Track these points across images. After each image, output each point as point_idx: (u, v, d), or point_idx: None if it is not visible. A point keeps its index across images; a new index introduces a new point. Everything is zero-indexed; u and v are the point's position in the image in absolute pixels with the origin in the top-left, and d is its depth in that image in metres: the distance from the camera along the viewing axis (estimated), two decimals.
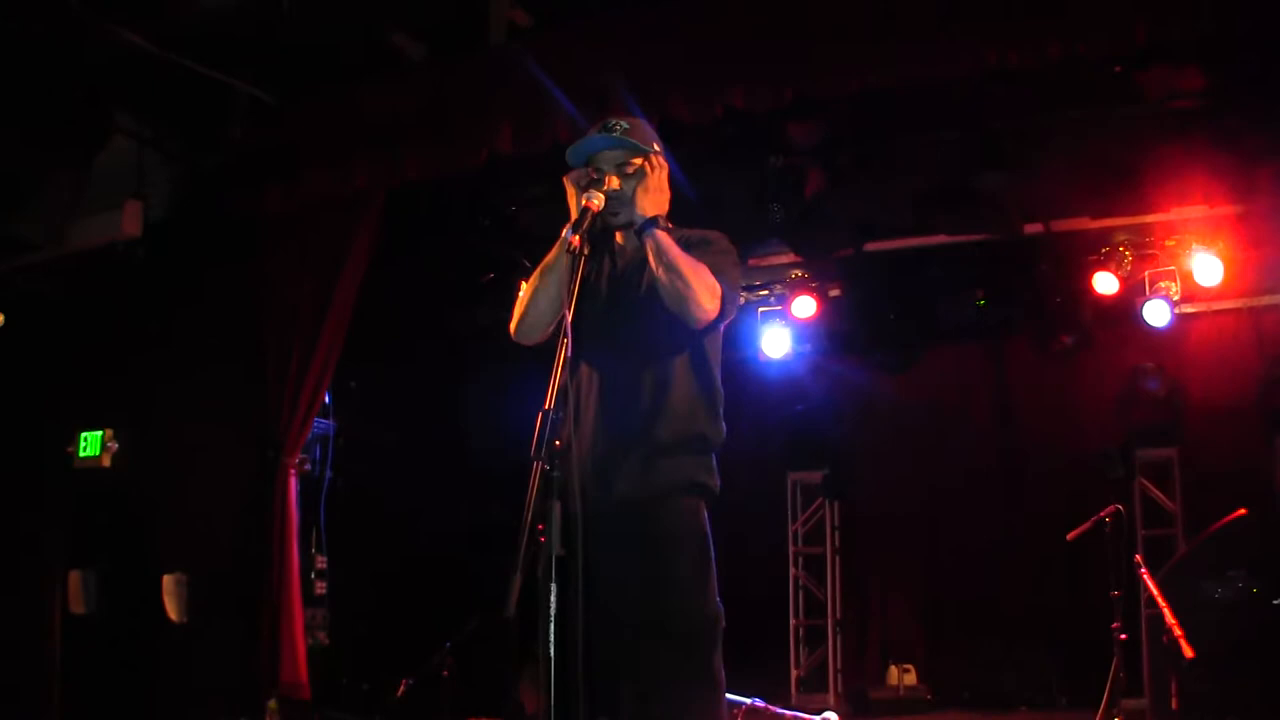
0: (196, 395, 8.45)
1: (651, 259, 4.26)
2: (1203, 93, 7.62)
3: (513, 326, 4.51)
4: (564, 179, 4.46)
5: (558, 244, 4.27)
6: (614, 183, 4.39)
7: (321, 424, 8.65)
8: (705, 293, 4.26)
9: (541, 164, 7.01)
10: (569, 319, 3.79)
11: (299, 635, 8.05)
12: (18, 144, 8.00)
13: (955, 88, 7.17)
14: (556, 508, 3.59)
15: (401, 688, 8.13)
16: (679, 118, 6.93)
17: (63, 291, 8.97)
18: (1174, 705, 7.88)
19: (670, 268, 4.23)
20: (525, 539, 3.51)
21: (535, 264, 4.49)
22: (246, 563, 8.17)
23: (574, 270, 3.99)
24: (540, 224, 8.89)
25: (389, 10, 7.69)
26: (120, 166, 8.53)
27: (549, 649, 3.56)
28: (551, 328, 4.40)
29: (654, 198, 4.40)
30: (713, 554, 4.33)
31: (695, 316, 4.28)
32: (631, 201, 4.37)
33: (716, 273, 4.35)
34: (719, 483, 4.42)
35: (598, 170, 4.44)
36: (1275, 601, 8.28)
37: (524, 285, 4.51)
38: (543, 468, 3.58)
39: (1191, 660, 7.39)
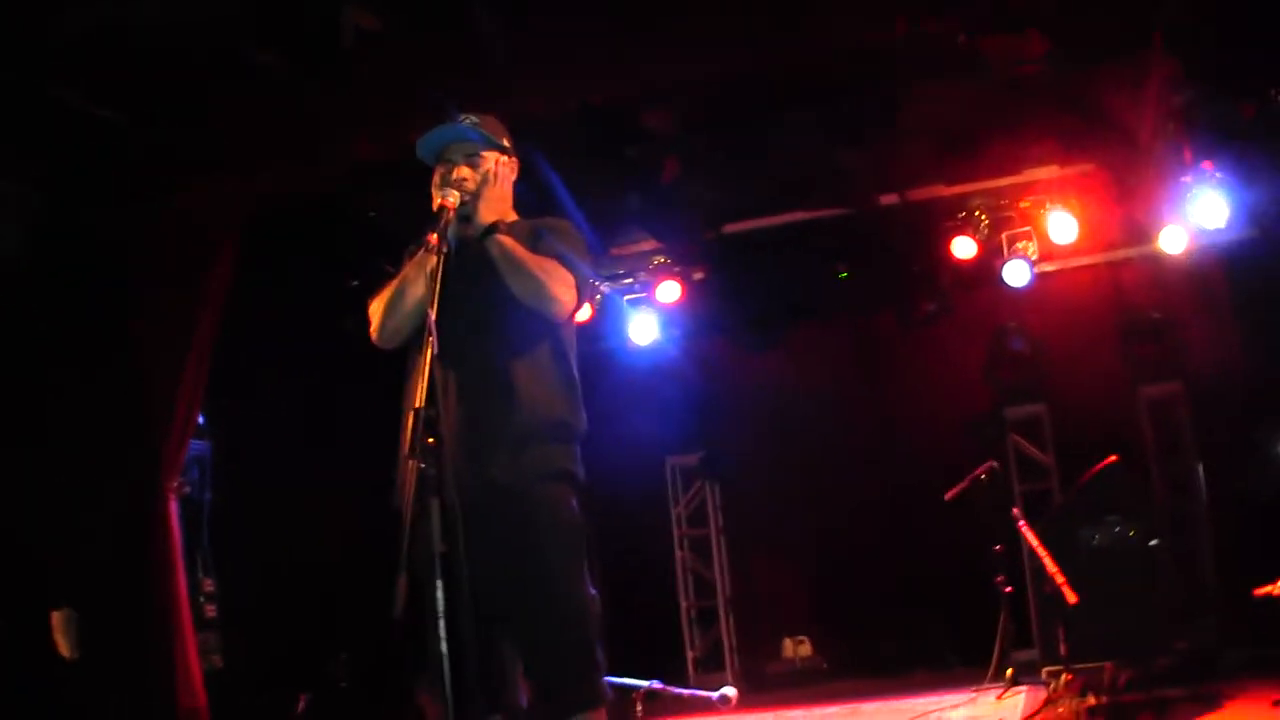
0: (70, 423, 8.33)
1: (499, 264, 4.33)
2: (1045, 57, 7.79)
3: (374, 330, 4.53)
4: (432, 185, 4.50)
5: (421, 249, 4.29)
6: (464, 172, 4.45)
7: (197, 445, 8.57)
8: (558, 285, 4.35)
9: (400, 167, 7.02)
10: (433, 316, 3.82)
11: (193, 660, 7.97)
12: None
13: (807, 68, 7.27)
14: (435, 504, 3.62)
15: (301, 703, 8.10)
16: (535, 112, 6.96)
17: None
18: (1062, 651, 8.03)
19: (517, 270, 4.31)
20: (407, 538, 3.53)
21: (397, 268, 4.52)
22: (134, 592, 8.07)
23: (435, 269, 4.02)
24: (402, 227, 8.86)
25: (241, 23, 7.62)
26: None
27: (440, 647, 3.59)
28: (412, 328, 4.43)
29: (493, 205, 4.48)
30: (585, 543, 4.39)
31: (553, 310, 4.37)
32: (475, 206, 4.43)
33: (567, 261, 4.43)
34: (583, 472, 4.46)
35: (446, 162, 4.52)
36: (1151, 543, 8.51)
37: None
38: (419, 465, 3.60)
39: (1075, 605, 7.59)
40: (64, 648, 8.08)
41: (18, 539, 8.25)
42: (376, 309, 4.51)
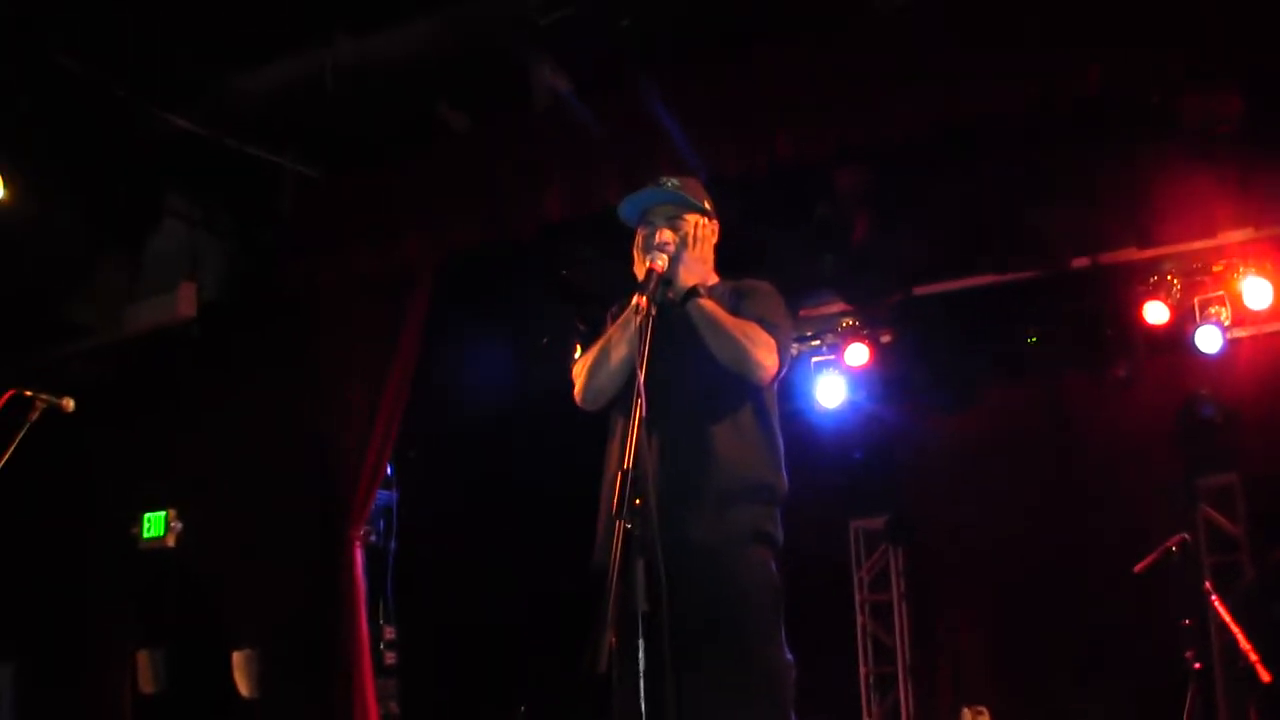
0: (258, 471, 8.51)
1: (700, 329, 4.33)
2: (1241, 117, 7.64)
3: (578, 393, 4.55)
4: (634, 247, 4.54)
5: (626, 310, 4.32)
6: (666, 235, 4.46)
7: (384, 495, 8.70)
8: (761, 350, 4.34)
9: (593, 225, 7.09)
10: (642, 378, 3.82)
11: (372, 706, 8.06)
12: (71, 229, 8.13)
13: (997, 124, 7.21)
14: (640, 565, 3.62)
15: None
16: (727, 171, 6.98)
17: (119, 374, 9.05)
18: None
19: (720, 334, 4.31)
20: (611, 597, 3.53)
21: (589, 325, 4.56)
22: (315, 636, 8.20)
23: (643, 331, 4.02)
24: (593, 284, 8.96)
25: (432, 82, 7.77)
26: (173, 248, 8.65)
27: (641, 706, 3.58)
28: (615, 390, 4.45)
29: (694, 268, 4.47)
30: (782, 606, 4.36)
31: (756, 375, 4.35)
32: (676, 269, 4.41)
33: (768, 324, 4.42)
34: (783, 536, 4.45)
35: (647, 224, 4.54)
36: None
37: (581, 350, 4.57)
38: (624, 526, 3.60)
39: (1269, 684, 7.36)
40: (243, 687, 8.24)
41: (208, 579, 8.46)
42: (580, 371, 4.53)
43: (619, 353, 4.35)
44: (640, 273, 4.36)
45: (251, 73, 7.67)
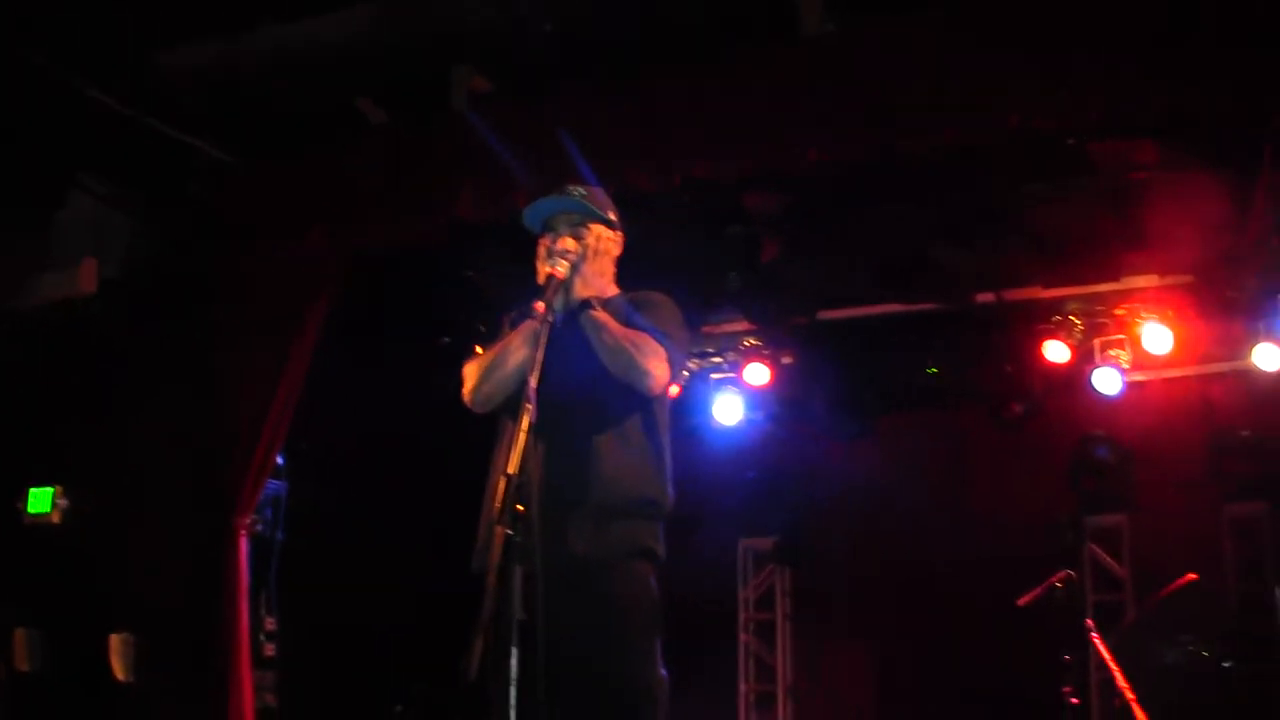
0: (149, 454, 8.40)
1: (592, 339, 4.34)
2: (1155, 165, 7.75)
3: (468, 392, 4.54)
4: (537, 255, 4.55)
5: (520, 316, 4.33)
6: (568, 243, 4.46)
7: (273, 485, 8.62)
8: (651, 359, 4.36)
9: (500, 229, 7.06)
10: (534, 384, 3.82)
11: (248, 697, 7.98)
12: None
13: (913, 161, 7.27)
14: (518, 572, 3.61)
15: None
16: (638, 185, 6.99)
17: (17, 347, 8.91)
18: None
19: (609, 345, 4.33)
20: (487, 603, 3.51)
21: (490, 328, 4.55)
22: (195, 623, 8.10)
23: (539, 338, 4.03)
24: (499, 288, 8.94)
25: (352, 75, 7.72)
26: (80, 223, 8.53)
27: (509, 713, 3.57)
28: (505, 394, 4.44)
29: (591, 280, 4.48)
30: (660, 622, 4.37)
31: (645, 384, 4.37)
32: (573, 279, 4.43)
33: (659, 334, 4.43)
34: (664, 551, 4.45)
35: (551, 232, 4.55)
36: (1225, 665, 8.36)
37: (480, 352, 4.55)
38: (505, 532, 3.59)
39: None
40: (119, 671, 8.13)
41: (90, 559, 8.34)
42: (472, 372, 4.53)
43: (516, 358, 4.34)
44: (541, 279, 4.35)
45: (173, 52, 7.57)
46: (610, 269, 4.66)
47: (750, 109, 6.92)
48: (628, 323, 4.44)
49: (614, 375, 4.34)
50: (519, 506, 3.62)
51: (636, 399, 4.43)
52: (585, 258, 4.49)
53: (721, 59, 7.09)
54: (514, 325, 4.54)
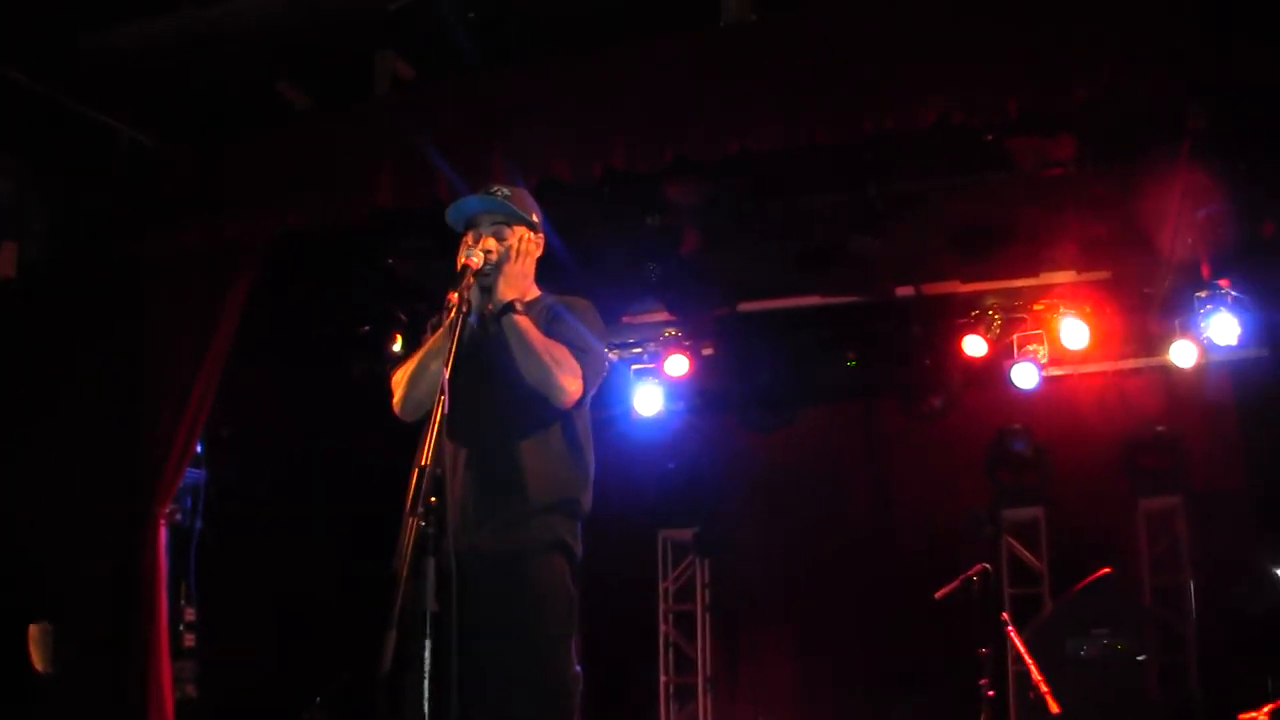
0: (67, 440, 8.30)
1: (511, 344, 4.34)
2: (1073, 161, 7.81)
3: (397, 403, 4.54)
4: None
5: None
6: (490, 243, 4.47)
7: (193, 473, 8.54)
8: (565, 375, 4.37)
9: (422, 218, 7.03)
10: (447, 374, 3.81)
11: (167, 688, 7.91)
12: None
13: (832, 152, 7.29)
14: (431, 564, 3.60)
15: None
16: (559, 176, 6.98)
17: None
18: None
19: (528, 354, 4.33)
20: (399, 595, 3.51)
21: (411, 317, 4.54)
22: (114, 613, 8.02)
23: (453, 329, 4.03)
24: (419, 277, 8.90)
25: (274, 59, 7.66)
26: None
27: (423, 705, 3.56)
28: (433, 400, 4.43)
29: (514, 281, 4.48)
30: (575, 617, 4.39)
31: (558, 399, 4.38)
32: (495, 281, 4.44)
33: (577, 349, 4.45)
34: (582, 549, 4.48)
35: (473, 230, 4.56)
36: (1140, 658, 8.47)
37: (401, 342, 4.55)
38: (418, 523, 3.58)
39: (1057, 716, 7.53)
40: (38, 661, 8.03)
41: (7, 547, 8.23)
42: (399, 380, 4.54)
43: (437, 364, 4.32)
44: (458, 269, 4.34)
45: (94, 32, 7.48)
46: (531, 270, 4.66)
47: (671, 98, 6.92)
48: (548, 330, 4.46)
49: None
50: (432, 499, 3.61)
51: (554, 406, 4.43)
52: (508, 258, 4.49)
53: (642, 48, 7.09)
54: (434, 329, 4.54)
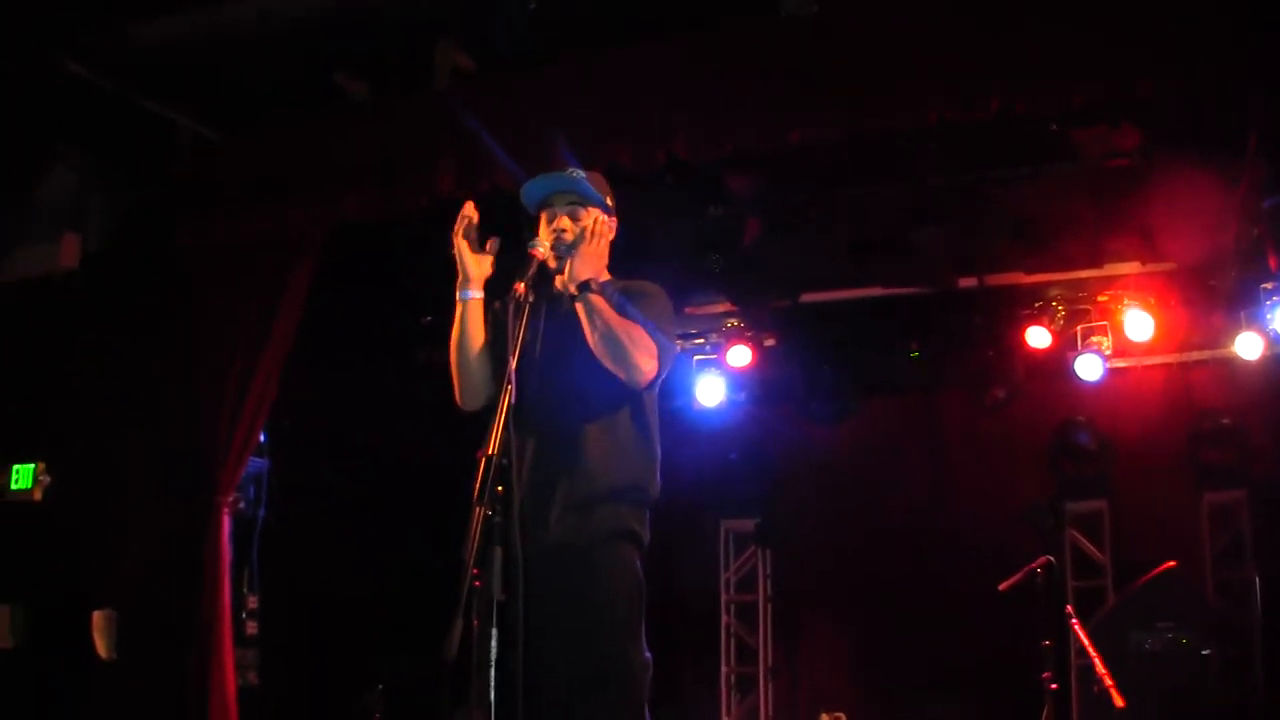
0: (132, 431, 8.37)
1: (585, 324, 4.31)
2: (1137, 151, 7.74)
3: (457, 397, 4.56)
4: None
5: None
6: (565, 223, 4.46)
7: (256, 462, 8.58)
8: (642, 354, 4.34)
9: (484, 208, 7.02)
10: (513, 365, 3.80)
11: (229, 675, 7.95)
12: None
13: (895, 142, 7.25)
14: (498, 553, 3.60)
15: None
16: (621, 164, 6.96)
17: None
18: None
19: (605, 333, 4.29)
20: (466, 583, 3.50)
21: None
22: (177, 601, 8.07)
23: (519, 318, 4.01)
24: None
25: (335, 50, 7.68)
26: (61, 197, 8.48)
27: (489, 694, 3.56)
28: (486, 383, 4.46)
29: (589, 262, 4.43)
30: (643, 604, 4.36)
31: (634, 378, 4.35)
32: (571, 261, 4.40)
33: (653, 329, 4.42)
34: (649, 536, 4.46)
35: (548, 209, 4.56)
36: (1204, 652, 8.40)
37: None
38: (485, 513, 3.57)
39: (1122, 709, 7.48)
40: (101, 648, 8.10)
41: (73, 536, 8.31)
42: (454, 375, 4.56)
43: (474, 349, 4.42)
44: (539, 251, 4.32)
45: (153, 24, 7.50)
46: (605, 252, 4.58)
47: (732, 88, 6.88)
48: (621, 312, 4.42)
49: (603, 364, 4.32)
50: (499, 488, 3.60)
51: (625, 388, 4.40)
52: (583, 239, 4.45)
53: (703, 38, 7.05)
54: (498, 317, 4.51)
